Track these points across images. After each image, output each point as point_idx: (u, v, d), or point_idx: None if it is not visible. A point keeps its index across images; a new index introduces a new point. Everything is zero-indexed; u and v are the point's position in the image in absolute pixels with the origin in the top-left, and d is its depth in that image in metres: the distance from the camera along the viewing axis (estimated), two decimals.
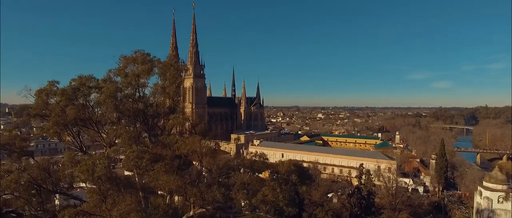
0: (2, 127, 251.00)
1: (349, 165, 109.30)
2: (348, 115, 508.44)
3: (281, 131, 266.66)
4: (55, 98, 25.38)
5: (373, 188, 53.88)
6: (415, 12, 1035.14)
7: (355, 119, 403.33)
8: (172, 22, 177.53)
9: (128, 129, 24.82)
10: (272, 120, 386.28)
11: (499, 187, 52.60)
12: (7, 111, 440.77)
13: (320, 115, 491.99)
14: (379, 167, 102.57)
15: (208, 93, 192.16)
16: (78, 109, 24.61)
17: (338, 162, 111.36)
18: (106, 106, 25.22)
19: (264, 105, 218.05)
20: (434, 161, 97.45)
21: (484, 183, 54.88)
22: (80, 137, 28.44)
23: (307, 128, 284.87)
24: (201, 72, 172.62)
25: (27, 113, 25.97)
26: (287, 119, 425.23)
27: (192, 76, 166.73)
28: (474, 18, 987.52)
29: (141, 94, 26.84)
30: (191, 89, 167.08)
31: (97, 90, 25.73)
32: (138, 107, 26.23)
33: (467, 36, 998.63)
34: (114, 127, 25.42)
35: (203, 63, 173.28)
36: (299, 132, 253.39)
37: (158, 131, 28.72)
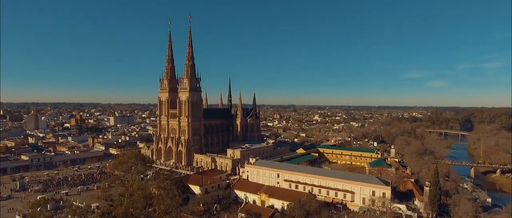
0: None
1: (344, 189, 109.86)
2: (344, 116, 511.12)
3: (278, 138, 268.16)
4: None
5: None
6: (412, 11, 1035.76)
7: (351, 122, 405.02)
8: (168, 34, 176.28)
9: None
10: (269, 124, 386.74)
11: None
12: (1, 113, 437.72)
13: (316, 117, 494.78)
14: (373, 192, 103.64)
15: (204, 103, 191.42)
16: None
17: (334, 185, 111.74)
18: None
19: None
20: (428, 188, 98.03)
21: None
22: None
23: (304, 135, 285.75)
24: (197, 86, 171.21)
25: None
26: (284, 121, 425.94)
27: (188, 90, 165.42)
28: (470, 16, 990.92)
29: None
30: (187, 103, 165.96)
31: None
32: None
33: (464, 35, 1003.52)
34: None
35: (199, 76, 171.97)
36: (296, 140, 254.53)
37: None
